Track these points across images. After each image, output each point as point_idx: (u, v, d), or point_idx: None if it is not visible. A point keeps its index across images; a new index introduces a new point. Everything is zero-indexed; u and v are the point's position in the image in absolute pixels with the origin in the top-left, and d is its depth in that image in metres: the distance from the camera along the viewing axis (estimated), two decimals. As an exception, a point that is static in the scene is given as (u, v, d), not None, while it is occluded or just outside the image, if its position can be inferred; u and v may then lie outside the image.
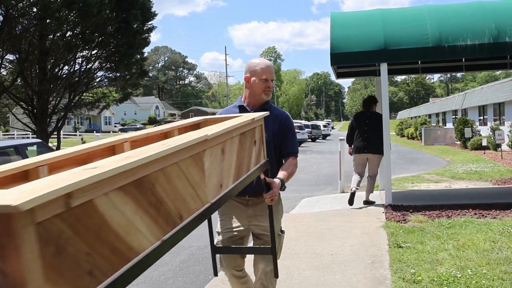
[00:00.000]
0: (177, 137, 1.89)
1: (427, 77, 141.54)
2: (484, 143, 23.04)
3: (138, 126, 75.34)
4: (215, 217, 2.94)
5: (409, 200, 8.69)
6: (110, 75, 16.43)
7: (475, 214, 7.35)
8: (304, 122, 64.79)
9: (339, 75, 10.41)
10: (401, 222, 7.02)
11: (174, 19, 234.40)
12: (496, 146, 22.90)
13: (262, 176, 2.73)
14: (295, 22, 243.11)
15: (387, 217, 7.41)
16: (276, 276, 2.99)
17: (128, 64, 16.33)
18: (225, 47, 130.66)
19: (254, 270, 3.23)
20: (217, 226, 3.25)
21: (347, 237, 6.31)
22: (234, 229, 3.19)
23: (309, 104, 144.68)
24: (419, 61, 10.19)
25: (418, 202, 8.37)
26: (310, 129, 46.75)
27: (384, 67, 8.06)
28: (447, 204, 8.13)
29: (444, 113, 43.93)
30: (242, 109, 3.24)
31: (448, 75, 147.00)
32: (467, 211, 7.58)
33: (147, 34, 16.26)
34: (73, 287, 1.07)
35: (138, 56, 16.72)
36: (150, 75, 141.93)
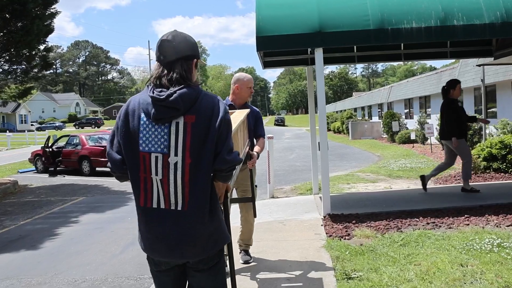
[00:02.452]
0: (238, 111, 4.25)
1: (349, 72, 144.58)
2: (413, 136, 22.72)
3: (57, 124, 71.25)
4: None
5: (349, 206, 7.57)
6: (5, 66, 14.24)
7: (427, 223, 6.30)
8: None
9: (266, 65, 9.14)
10: (345, 239, 5.82)
11: (97, 13, 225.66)
12: (424, 140, 22.64)
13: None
14: (221, 17, 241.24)
15: (327, 231, 6.20)
16: (255, 216, 4.60)
17: (30, 55, 14.28)
18: (148, 41, 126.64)
19: (241, 214, 5.12)
20: None
21: (282, 266, 5.02)
22: (240, 184, 4.87)
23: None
24: (355, 49, 9.12)
25: (360, 209, 7.26)
26: (237, 125, 45.42)
27: (319, 53, 6.84)
28: (393, 211, 7.07)
29: (370, 107, 44.11)
30: (231, 107, 4.82)
31: (370, 70, 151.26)
32: (417, 219, 6.53)
33: (50, 20, 14.25)
34: None
35: (42, 47, 14.68)
36: (71, 70, 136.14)
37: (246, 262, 5.10)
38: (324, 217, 6.95)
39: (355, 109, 50.35)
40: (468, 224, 6.14)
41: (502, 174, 10.31)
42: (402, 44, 9.08)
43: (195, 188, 2.28)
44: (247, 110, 4.45)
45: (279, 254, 5.43)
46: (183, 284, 2.53)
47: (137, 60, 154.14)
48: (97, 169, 17.05)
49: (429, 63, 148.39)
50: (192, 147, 2.27)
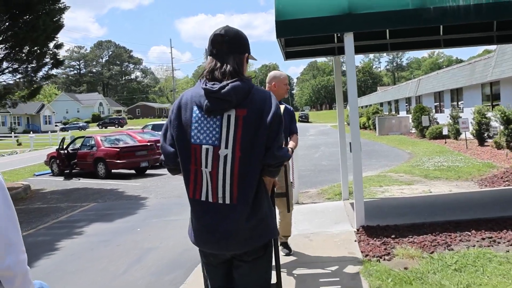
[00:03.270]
0: None
1: (374, 66, 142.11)
2: (445, 131, 21.45)
3: (80, 124, 71.38)
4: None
5: (385, 215, 6.58)
6: (15, 65, 13.55)
7: (483, 239, 5.27)
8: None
9: (288, 55, 8.17)
10: (385, 259, 4.84)
11: (120, 13, 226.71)
12: (457, 135, 21.37)
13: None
14: (243, 14, 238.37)
15: (363, 249, 5.22)
16: (289, 210, 4.95)
17: (40, 52, 13.57)
18: (170, 39, 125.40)
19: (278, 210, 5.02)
20: None
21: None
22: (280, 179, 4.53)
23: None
24: (387, 35, 8.08)
25: (399, 219, 6.26)
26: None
27: (349, 39, 5.84)
28: (438, 221, 6.04)
29: (396, 101, 42.68)
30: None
31: (394, 64, 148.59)
32: (469, 233, 5.50)
33: (58, 16, 13.49)
34: None
35: (51, 44, 13.94)
36: (94, 70, 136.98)
37: (286, 254, 5.28)
38: (358, 230, 5.97)
39: (381, 104, 48.94)
40: (534, 240, 5.10)
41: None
42: (441, 29, 8.02)
43: (244, 181, 2.29)
44: (282, 107, 4.60)
45: (305, 283, 4.47)
46: (232, 279, 2.53)
47: (160, 58, 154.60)
48: (113, 171, 16.33)
49: (456, 55, 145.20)
50: (243, 141, 2.27)
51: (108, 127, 68.82)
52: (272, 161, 2.32)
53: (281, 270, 2.97)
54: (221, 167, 2.28)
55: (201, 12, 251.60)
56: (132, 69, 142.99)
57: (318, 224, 6.69)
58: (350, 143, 6.15)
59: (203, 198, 2.34)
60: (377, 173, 12.09)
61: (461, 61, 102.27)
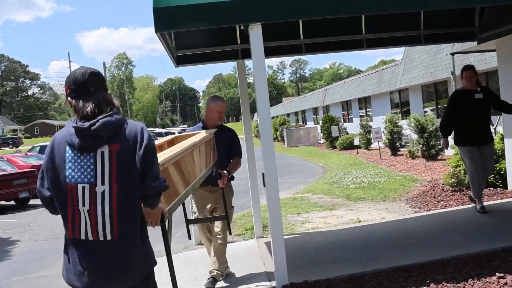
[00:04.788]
0: (182, 143, 3.72)
1: (277, 78, 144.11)
2: (356, 142, 20.74)
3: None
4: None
5: (312, 262, 5.12)
6: None
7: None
8: (157, 130, 60.70)
9: (180, 61, 6.51)
10: None
11: (15, 26, 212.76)
12: (368, 144, 20.74)
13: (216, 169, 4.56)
14: (147, 28, 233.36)
15: (290, 331, 3.64)
16: (230, 233, 5.05)
17: None
18: (68, 53, 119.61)
19: (212, 234, 5.02)
20: (192, 207, 5.61)
21: None
22: (205, 208, 5.05)
23: (164, 110, 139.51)
24: (301, 34, 6.66)
25: (331, 268, 4.78)
26: (163, 137, 42.63)
27: (256, 32, 4.25)
28: (382, 269, 4.62)
29: (303, 112, 42.30)
30: (204, 127, 4.98)
31: (298, 75, 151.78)
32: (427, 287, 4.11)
33: None
34: (167, 200, 2.72)
35: None
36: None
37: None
38: (279, 292, 4.38)
39: (288, 115, 48.56)
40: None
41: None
42: (363, 27, 6.73)
43: (123, 215, 2.31)
44: (211, 130, 4.60)
45: None
46: None
47: (60, 73, 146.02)
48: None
49: (355, 65, 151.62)
50: (118, 175, 2.30)
51: (1, 148, 63.01)
52: (147, 192, 2.33)
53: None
54: (99, 204, 2.29)
55: (103, 25, 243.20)
56: (29, 85, 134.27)
57: (226, 279, 5.05)
58: (263, 174, 4.55)
59: (83, 237, 2.31)
60: (292, 195, 10.69)
61: (359, 71, 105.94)
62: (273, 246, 4.45)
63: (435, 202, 7.84)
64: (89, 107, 2.37)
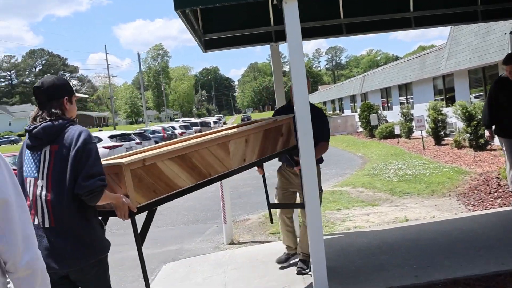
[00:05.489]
0: (209, 135, 3.69)
1: (313, 66, 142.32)
2: (397, 131, 19.83)
3: (13, 138, 66.44)
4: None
5: (355, 269, 4.51)
6: None
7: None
8: (192, 119, 60.70)
9: (208, 45, 5.94)
10: None
11: (55, 20, 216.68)
12: (409, 134, 19.80)
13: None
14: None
15: None
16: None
17: None
18: (105, 46, 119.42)
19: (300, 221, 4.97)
20: (277, 184, 5.09)
21: None
22: (287, 188, 4.92)
23: (200, 100, 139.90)
24: (341, 14, 5.98)
25: (378, 278, 4.16)
26: (199, 127, 42.56)
27: (291, 7, 3.63)
28: (437, 281, 3.97)
29: (340, 100, 41.26)
30: (289, 106, 4.73)
31: (334, 62, 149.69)
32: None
33: None
34: (146, 195, 2.85)
35: None
36: (27, 80, 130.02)
37: (299, 272, 4.72)
38: (320, 308, 3.79)
39: (324, 103, 47.56)
40: None
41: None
42: (411, 4, 6.00)
43: (57, 206, 2.59)
44: (282, 117, 4.34)
45: None
46: None
47: (98, 65, 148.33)
48: None
49: (392, 52, 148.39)
50: (54, 172, 2.62)
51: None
52: (79, 191, 2.55)
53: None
54: (39, 196, 2.63)
55: (139, 17, 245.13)
56: (68, 78, 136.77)
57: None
58: (299, 170, 3.94)
59: (35, 223, 2.61)
60: (331, 188, 10.03)
61: (397, 58, 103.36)
62: (312, 253, 3.85)
63: (491, 199, 7.05)
64: (35, 113, 2.77)
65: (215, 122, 54.47)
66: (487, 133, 6.37)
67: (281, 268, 5.00)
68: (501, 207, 6.55)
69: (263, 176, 5.09)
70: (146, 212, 2.95)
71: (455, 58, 16.07)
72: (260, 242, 6.33)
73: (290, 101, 4.74)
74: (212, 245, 6.56)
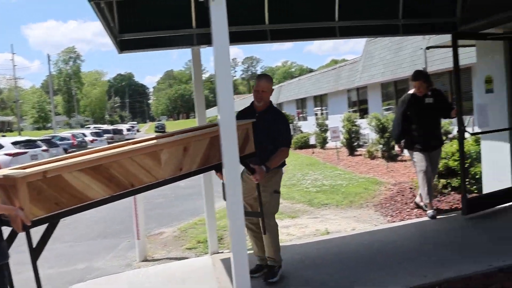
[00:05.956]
0: (138, 143, 3.42)
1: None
2: (312, 141, 20.12)
3: None
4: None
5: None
6: None
7: None
8: (104, 126, 58.68)
9: (124, 46, 5.53)
10: None
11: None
12: (324, 144, 20.17)
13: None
14: (97, 21, 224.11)
15: None
16: (264, 232, 4.38)
17: None
18: (12, 45, 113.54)
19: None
20: None
21: None
22: (248, 194, 4.43)
23: (113, 106, 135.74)
24: (266, 19, 5.81)
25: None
26: (111, 134, 41.15)
27: (219, 8, 3.35)
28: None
29: (256, 109, 41.50)
30: (251, 108, 4.63)
31: (249, 73, 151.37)
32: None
33: None
34: (46, 207, 2.68)
35: None
36: None
37: (264, 279, 4.52)
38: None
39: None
40: None
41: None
42: (337, 14, 5.95)
43: None
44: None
45: None
46: None
47: (4, 66, 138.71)
48: None
49: (307, 64, 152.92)
50: None
51: None
52: None
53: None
54: None
55: (51, 17, 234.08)
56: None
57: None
58: (223, 184, 3.65)
59: None
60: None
61: (311, 70, 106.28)
62: (235, 270, 3.56)
63: (408, 209, 7.16)
64: None
65: (128, 130, 52.92)
66: (397, 148, 6.71)
67: (198, 281, 4.68)
68: (418, 217, 6.65)
69: (223, 183, 4.74)
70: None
71: (369, 72, 16.57)
72: (177, 259, 5.96)
73: (253, 104, 4.57)
74: (124, 262, 6.09)
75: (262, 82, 4.49)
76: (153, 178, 3.24)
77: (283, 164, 4.52)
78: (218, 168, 3.76)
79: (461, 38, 6.27)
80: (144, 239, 6.23)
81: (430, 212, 6.33)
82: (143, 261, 5.97)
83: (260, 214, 4.27)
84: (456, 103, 6.27)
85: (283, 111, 26.52)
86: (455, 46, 6.02)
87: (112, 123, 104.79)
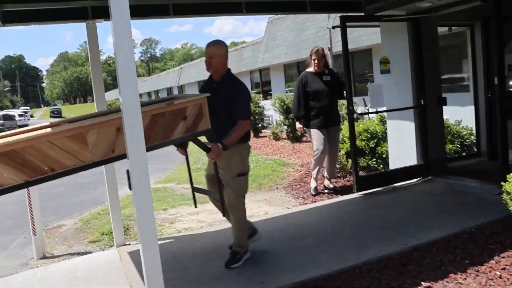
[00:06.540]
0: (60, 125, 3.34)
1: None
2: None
3: None
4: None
5: (195, 281, 3.99)
6: None
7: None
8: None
9: (6, 18, 4.85)
10: None
11: None
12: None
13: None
14: None
15: None
16: (223, 214, 4.43)
17: None
18: None
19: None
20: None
21: None
22: (210, 170, 4.40)
23: (2, 91, 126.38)
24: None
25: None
26: (1, 121, 38.34)
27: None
28: (289, 285, 3.66)
29: (157, 92, 40.48)
30: (210, 79, 4.34)
31: (149, 55, 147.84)
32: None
33: None
34: None
35: None
36: None
37: (226, 265, 4.23)
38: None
39: (141, 95, 46.31)
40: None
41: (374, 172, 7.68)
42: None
43: None
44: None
45: None
46: None
47: None
48: None
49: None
50: None
51: None
52: None
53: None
54: None
55: None
56: None
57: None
58: (128, 171, 3.25)
59: None
60: (154, 185, 9.39)
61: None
62: (145, 265, 3.19)
63: (318, 190, 7.12)
64: None
65: (20, 115, 49.47)
66: (298, 125, 6.81)
67: (106, 285, 4.25)
68: (330, 198, 6.62)
69: (186, 157, 4.52)
70: None
71: (272, 53, 16.53)
72: (79, 254, 5.44)
73: (211, 77, 4.26)
74: (20, 261, 5.46)
75: (209, 48, 4.17)
76: (78, 161, 3.09)
77: (245, 139, 4.18)
78: (177, 144, 3.72)
79: (348, 21, 6.27)
80: (42, 234, 5.63)
81: (313, 187, 6.89)
82: (41, 258, 5.39)
83: (215, 194, 4.19)
84: (347, 83, 6.29)
85: (185, 93, 25.96)
86: (344, 28, 6.08)
87: (2, 108, 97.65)
